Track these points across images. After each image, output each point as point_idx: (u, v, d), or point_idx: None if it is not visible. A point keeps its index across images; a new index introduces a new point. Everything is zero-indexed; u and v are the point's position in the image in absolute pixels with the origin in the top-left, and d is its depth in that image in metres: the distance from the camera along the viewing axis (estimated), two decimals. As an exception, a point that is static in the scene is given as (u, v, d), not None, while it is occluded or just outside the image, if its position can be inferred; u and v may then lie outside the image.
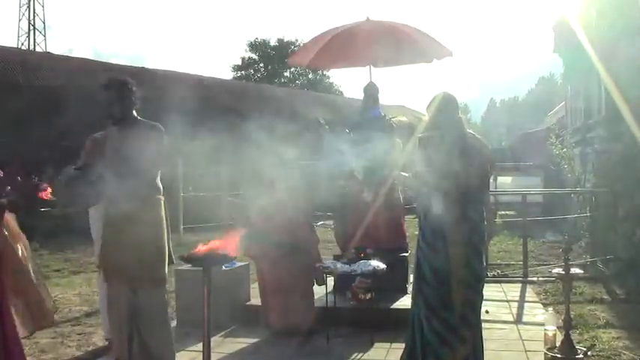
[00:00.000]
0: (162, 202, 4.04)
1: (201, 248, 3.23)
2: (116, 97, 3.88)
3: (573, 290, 6.28)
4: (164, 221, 4.03)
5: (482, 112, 72.37)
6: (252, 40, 44.74)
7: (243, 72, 43.91)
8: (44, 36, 44.08)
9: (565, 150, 13.80)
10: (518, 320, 5.64)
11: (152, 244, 3.87)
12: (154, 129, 3.96)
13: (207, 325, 2.97)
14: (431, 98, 3.83)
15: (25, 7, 43.20)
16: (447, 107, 3.76)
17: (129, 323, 3.82)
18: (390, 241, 5.97)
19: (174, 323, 5.55)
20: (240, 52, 62.96)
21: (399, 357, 4.00)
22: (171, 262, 4.07)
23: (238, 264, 5.82)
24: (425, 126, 3.90)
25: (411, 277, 6.14)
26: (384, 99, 6.59)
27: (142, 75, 15.42)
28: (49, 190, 12.48)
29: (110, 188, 3.79)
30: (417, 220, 4.08)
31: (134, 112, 3.99)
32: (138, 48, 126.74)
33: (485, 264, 3.90)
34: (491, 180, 4.51)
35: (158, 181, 4.04)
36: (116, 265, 3.88)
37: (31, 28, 42.94)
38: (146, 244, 3.81)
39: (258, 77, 42.97)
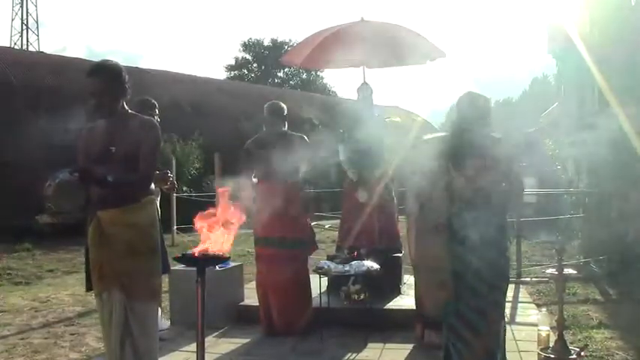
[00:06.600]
0: (155, 204, 3.67)
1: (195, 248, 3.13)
2: (104, 85, 3.31)
3: (567, 291, 6.31)
4: (158, 223, 3.64)
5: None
6: (246, 40, 44.69)
7: (236, 72, 43.82)
8: (37, 35, 43.97)
9: (558, 151, 13.84)
10: (511, 321, 5.64)
11: (145, 250, 3.43)
12: (147, 124, 3.48)
13: (201, 325, 2.95)
14: (463, 95, 3.84)
15: (18, 6, 43.08)
16: (483, 107, 3.82)
17: (123, 333, 3.36)
18: (383, 242, 5.97)
19: (168, 323, 5.54)
20: (234, 52, 62.95)
21: None
22: (165, 271, 3.61)
23: (232, 264, 5.82)
24: (461, 127, 3.81)
25: (405, 278, 6.18)
26: (377, 99, 6.60)
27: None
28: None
29: (98, 189, 3.30)
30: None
31: (124, 104, 3.46)
32: (132, 47, 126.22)
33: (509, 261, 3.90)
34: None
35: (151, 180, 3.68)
36: (107, 272, 3.41)
37: (24, 27, 42.80)
38: (139, 248, 3.39)
39: (252, 77, 42.88)
